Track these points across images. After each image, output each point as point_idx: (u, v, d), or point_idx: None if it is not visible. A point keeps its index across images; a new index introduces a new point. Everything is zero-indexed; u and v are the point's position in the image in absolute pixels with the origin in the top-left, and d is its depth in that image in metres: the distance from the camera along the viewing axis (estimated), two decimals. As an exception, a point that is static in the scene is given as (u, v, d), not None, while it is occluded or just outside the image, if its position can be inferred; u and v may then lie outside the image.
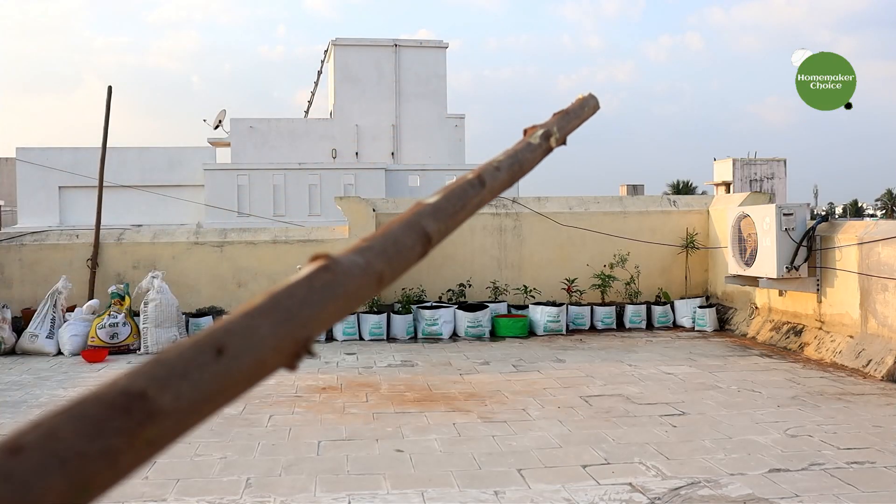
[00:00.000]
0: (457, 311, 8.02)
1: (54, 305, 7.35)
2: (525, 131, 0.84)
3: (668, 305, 8.46)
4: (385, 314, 7.92)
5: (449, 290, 8.50)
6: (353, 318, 7.85)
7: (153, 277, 7.34)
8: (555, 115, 0.91)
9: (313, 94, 31.52)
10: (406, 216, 0.61)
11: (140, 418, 0.34)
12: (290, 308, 0.43)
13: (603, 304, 8.46)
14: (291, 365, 0.42)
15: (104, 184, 8.86)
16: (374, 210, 8.45)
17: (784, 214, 6.70)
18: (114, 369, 6.28)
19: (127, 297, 7.45)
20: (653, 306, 8.43)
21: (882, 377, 5.56)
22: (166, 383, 0.35)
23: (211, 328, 0.41)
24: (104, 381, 0.34)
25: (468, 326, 7.88)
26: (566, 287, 8.42)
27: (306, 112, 31.98)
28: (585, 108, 0.96)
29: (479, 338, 7.83)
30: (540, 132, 0.85)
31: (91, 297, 7.79)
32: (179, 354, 0.38)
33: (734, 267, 7.37)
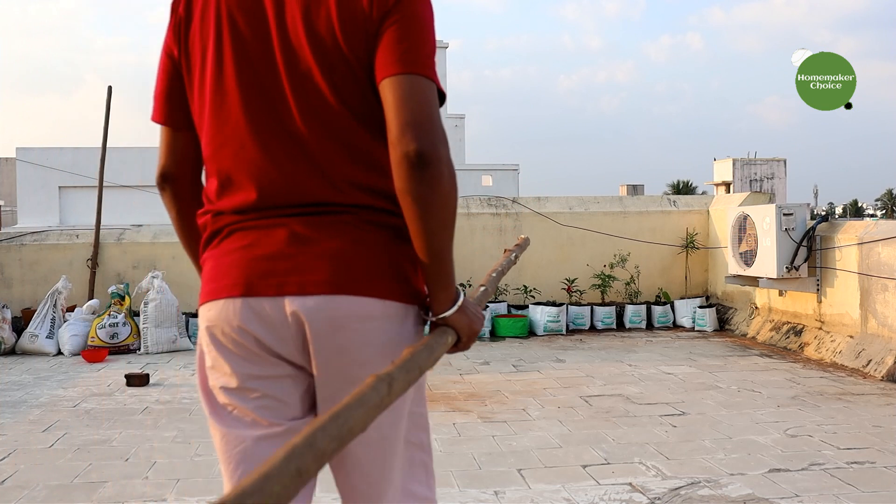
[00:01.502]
0: (457, 311, 8.01)
1: (54, 305, 7.35)
2: (505, 251, 1.80)
3: (668, 305, 8.46)
4: (385, 314, 7.92)
5: (449, 290, 8.49)
6: (353, 318, 7.85)
7: (153, 277, 7.34)
8: (515, 245, 1.88)
9: (313, 94, 31.53)
10: (492, 275, 1.53)
11: None
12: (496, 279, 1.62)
13: (603, 304, 8.46)
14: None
15: (104, 184, 8.86)
16: (374, 210, 8.45)
17: (784, 214, 6.70)
18: (114, 369, 6.28)
19: (127, 297, 7.44)
20: (653, 306, 8.43)
21: (882, 377, 5.56)
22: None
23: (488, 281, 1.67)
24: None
25: (468, 326, 7.88)
26: (566, 287, 8.42)
27: (306, 112, 31.94)
28: (526, 245, 1.87)
29: (480, 338, 7.82)
30: (513, 254, 1.77)
31: (91, 297, 7.79)
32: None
33: (734, 267, 7.37)
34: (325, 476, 3.76)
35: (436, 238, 1.32)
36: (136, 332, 7.23)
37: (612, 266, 8.51)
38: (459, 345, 1.42)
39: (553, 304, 8.26)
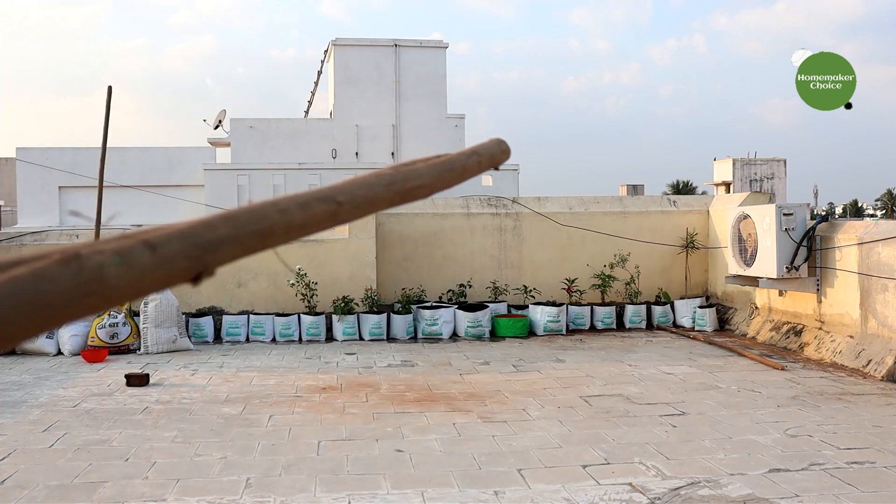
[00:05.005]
0: (457, 311, 8.01)
1: (54, 305, 7.35)
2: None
3: (668, 305, 8.46)
4: (385, 314, 7.92)
5: (449, 290, 8.50)
6: (353, 318, 7.85)
7: (153, 277, 7.34)
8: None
9: (313, 94, 31.56)
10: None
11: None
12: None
13: (603, 304, 8.46)
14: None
15: (104, 184, 8.86)
16: (374, 210, 8.44)
17: (784, 214, 6.69)
18: (114, 369, 6.28)
19: (127, 297, 7.44)
20: (653, 306, 8.43)
21: (882, 377, 5.56)
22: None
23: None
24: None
25: (468, 326, 7.88)
26: (566, 287, 8.42)
27: (306, 112, 31.99)
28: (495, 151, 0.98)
29: (479, 338, 7.83)
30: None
31: (91, 297, 7.78)
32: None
33: (734, 267, 7.37)
34: (326, 475, 3.74)
35: None
36: (136, 332, 7.24)
37: (612, 266, 8.51)
38: None
39: (553, 304, 8.26)
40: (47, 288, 0.36)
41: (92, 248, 0.42)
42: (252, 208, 0.53)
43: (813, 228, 6.69)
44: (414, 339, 7.88)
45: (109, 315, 7.22)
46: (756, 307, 7.80)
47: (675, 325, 8.39)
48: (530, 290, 8.44)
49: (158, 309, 7.18)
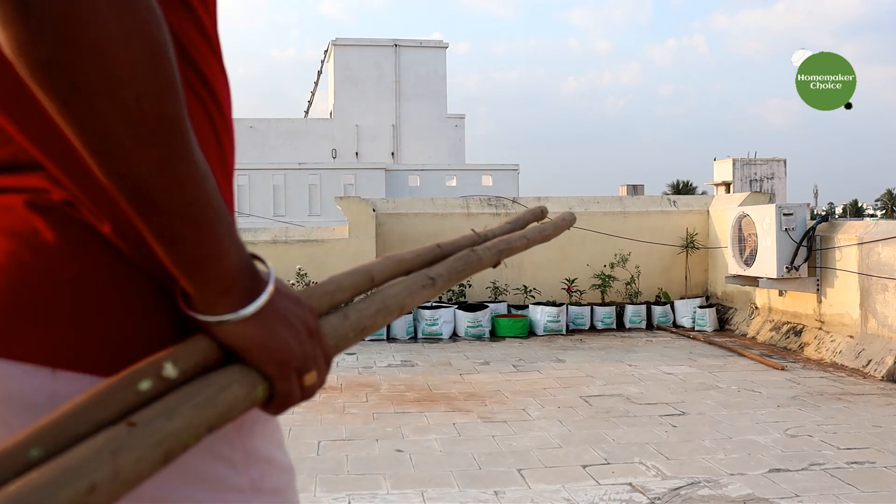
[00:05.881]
0: (457, 310, 8.02)
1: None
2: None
3: (668, 305, 8.46)
4: (385, 314, 7.91)
5: (449, 290, 8.50)
6: (353, 318, 7.84)
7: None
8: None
9: (313, 93, 31.57)
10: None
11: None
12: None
13: (603, 304, 8.46)
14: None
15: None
16: (374, 210, 8.45)
17: (784, 214, 6.70)
18: (114, 369, 6.28)
19: (127, 297, 7.44)
20: (653, 306, 8.43)
21: (882, 377, 5.56)
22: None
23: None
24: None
25: (468, 326, 7.88)
26: (566, 287, 8.42)
27: (306, 112, 32.02)
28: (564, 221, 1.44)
29: (479, 338, 7.83)
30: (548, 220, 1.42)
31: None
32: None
33: (734, 267, 7.37)
34: (326, 475, 3.74)
35: (126, 150, 0.55)
36: (136, 332, 7.24)
37: (612, 266, 8.51)
38: (273, 399, 0.66)
39: (553, 304, 8.26)
40: (475, 260, 0.89)
41: (478, 247, 0.95)
42: (509, 237, 1.03)
43: (813, 228, 6.70)
44: (414, 339, 7.88)
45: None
46: (756, 307, 7.80)
47: (675, 325, 8.39)
48: (530, 290, 8.44)
49: (158, 309, 7.18)
